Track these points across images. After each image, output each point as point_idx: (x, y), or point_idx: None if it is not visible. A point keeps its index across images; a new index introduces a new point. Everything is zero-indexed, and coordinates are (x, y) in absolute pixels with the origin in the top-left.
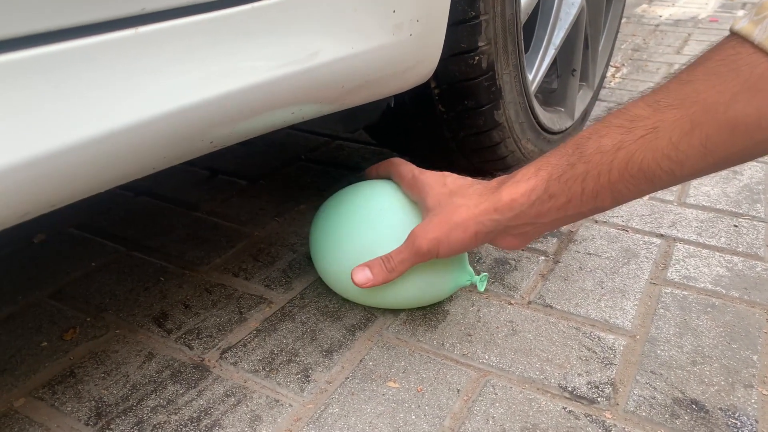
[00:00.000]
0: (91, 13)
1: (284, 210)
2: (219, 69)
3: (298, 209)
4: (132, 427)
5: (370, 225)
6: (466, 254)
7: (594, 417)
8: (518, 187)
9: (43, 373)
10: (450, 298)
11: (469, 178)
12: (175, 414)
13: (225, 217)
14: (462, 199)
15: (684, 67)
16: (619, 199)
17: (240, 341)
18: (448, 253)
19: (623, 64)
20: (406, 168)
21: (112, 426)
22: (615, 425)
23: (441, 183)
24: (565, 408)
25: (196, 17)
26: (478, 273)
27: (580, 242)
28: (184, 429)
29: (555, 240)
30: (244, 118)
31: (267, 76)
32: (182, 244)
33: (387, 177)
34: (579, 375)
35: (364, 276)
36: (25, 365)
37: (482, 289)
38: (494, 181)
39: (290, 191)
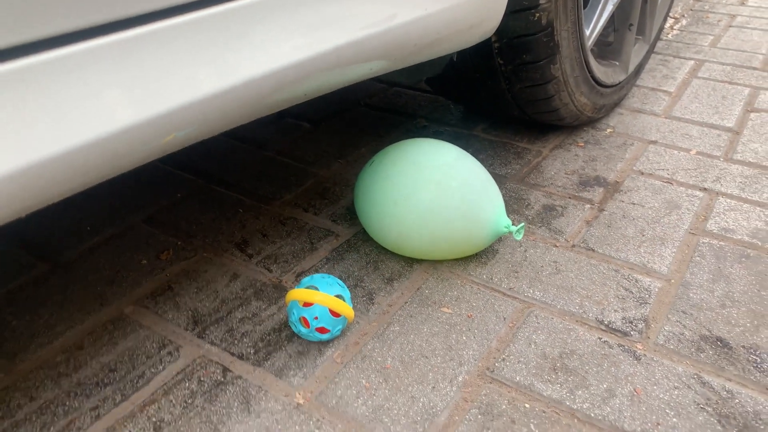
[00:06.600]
0: None
1: (346, 152)
2: (317, 33)
3: (359, 152)
4: (224, 334)
5: (409, 178)
6: (503, 203)
7: (626, 347)
8: None
9: (146, 286)
10: (499, 240)
11: None
12: (260, 325)
13: (293, 157)
14: None
15: None
16: None
17: (312, 267)
18: None
19: (683, 15)
20: None
21: (207, 332)
22: (644, 355)
23: None
24: (600, 338)
25: None
26: (517, 222)
27: (625, 192)
28: (267, 337)
29: (601, 189)
30: (333, 74)
31: (352, 36)
32: (256, 181)
33: None
34: (615, 311)
35: None
36: (130, 278)
37: (519, 238)
38: None
39: (350, 135)
